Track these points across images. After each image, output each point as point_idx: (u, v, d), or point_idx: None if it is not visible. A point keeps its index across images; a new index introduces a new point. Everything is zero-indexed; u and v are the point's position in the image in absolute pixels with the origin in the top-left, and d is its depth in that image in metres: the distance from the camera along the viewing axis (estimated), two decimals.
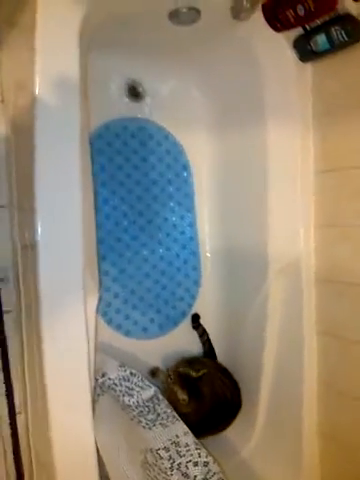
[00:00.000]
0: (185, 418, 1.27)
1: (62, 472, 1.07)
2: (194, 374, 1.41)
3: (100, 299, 1.26)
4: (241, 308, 1.61)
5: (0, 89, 1.48)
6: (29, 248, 1.19)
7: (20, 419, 1.46)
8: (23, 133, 1.25)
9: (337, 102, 1.37)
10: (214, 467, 1.06)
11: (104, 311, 1.58)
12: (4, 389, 1.45)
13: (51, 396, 1.08)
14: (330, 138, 1.40)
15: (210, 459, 1.07)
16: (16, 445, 1.45)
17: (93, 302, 1.23)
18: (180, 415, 1.26)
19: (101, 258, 1.58)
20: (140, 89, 1.68)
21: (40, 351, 1.10)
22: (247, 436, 1.54)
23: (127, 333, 1.61)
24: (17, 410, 1.47)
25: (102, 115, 1.61)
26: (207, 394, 1.42)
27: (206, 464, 1.06)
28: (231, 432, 1.55)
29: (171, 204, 1.71)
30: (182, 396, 1.36)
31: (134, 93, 1.67)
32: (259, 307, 1.53)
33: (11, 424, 1.44)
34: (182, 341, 1.68)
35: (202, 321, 1.70)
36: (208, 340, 1.67)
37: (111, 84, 1.64)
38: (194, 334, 1.68)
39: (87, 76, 1.31)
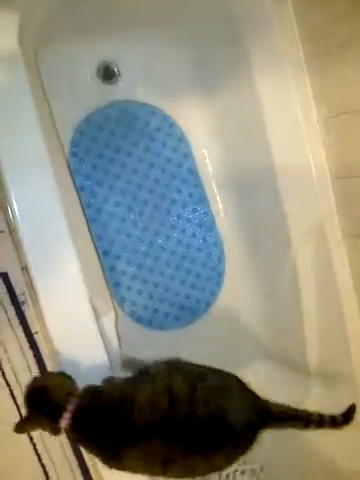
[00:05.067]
0: None
1: None
2: None
3: (116, 317, 1.20)
4: (271, 279, 1.52)
5: None
6: (26, 270, 1.16)
7: None
8: None
9: (327, 36, 1.18)
10: (261, 474, 1.02)
11: (131, 311, 1.54)
12: None
13: None
14: (328, 80, 1.22)
15: (257, 467, 1.03)
16: None
17: (110, 321, 1.19)
18: None
19: (115, 258, 1.52)
20: (113, 68, 1.53)
21: None
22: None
23: (160, 327, 1.57)
24: None
25: (79, 110, 1.49)
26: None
27: (253, 471, 1.02)
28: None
29: (175, 183, 1.59)
30: None
31: (108, 74, 1.53)
32: (289, 276, 1.43)
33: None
34: (216, 323, 1.61)
35: (233, 298, 1.61)
36: None
37: (81, 73, 1.50)
38: (228, 313, 1.61)
39: (40, 81, 1.20)
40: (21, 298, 1.49)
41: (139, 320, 1.55)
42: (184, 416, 0.84)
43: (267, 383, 1.54)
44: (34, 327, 1.46)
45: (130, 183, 1.54)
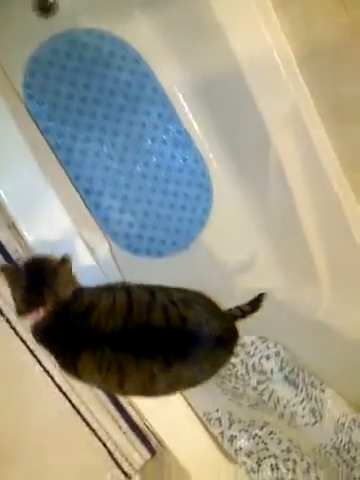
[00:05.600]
0: None
1: None
2: None
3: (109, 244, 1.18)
4: (258, 180, 1.48)
5: None
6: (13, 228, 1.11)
7: None
8: None
9: None
10: (286, 354, 1.01)
11: (126, 244, 1.51)
12: None
13: None
14: None
15: (279, 347, 1.03)
16: None
17: (105, 251, 1.17)
18: None
19: (98, 194, 1.48)
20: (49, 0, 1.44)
21: None
22: (318, 299, 1.48)
23: (159, 254, 1.55)
24: None
25: (24, 51, 1.41)
26: None
27: (278, 354, 1.02)
28: (299, 302, 1.50)
29: (142, 106, 1.53)
30: None
31: (44, 6, 1.44)
32: (276, 173, 1.40)
33: None
34: (214, 239, 1.58)
35: (226, 211, 1.59)
36: None
37: (15, 12, 1.40)
38: (224, 228, 1.59)
39: None
40: (15, 256, 1.46)
41: (137, 251, 1.52)
42: (139, 323, 0.83)
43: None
44: None
45: (95, 116, 1.48)
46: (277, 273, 1.59)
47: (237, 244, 1.59)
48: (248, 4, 1.25)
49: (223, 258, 1.56)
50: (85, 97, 1.47)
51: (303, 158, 1.33)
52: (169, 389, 0.88)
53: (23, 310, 0.86)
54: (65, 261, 0.88)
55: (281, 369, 1.01)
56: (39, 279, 0.86)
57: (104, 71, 1.49)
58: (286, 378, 0.99)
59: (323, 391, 0.98)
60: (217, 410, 0.97)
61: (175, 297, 0.88)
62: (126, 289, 0.89)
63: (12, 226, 1.17)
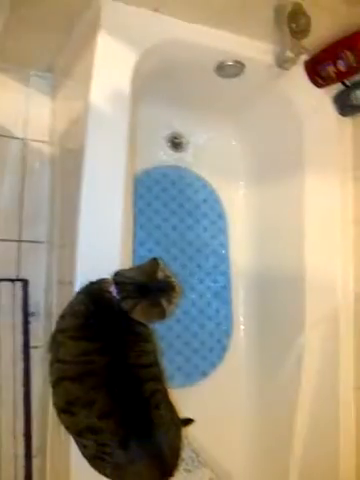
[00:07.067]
0: None
1: None
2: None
3: None
4: (275, 360, 1.54)
5: (51, 134, 1.58)
6: (67, 284, 1.18)
7: (35, 462, 1.40)
8: (70, 174, 1.32)
9: None
10: None
11: None
12: (23, 429, 1.40)
13: None
14: None
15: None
16: None
17: None
18: None
19: None
20: (182, 140, 1.75)
21: None
22: None
23: None
24: (34, 453, 1.42)
25: (145, 162, 1.67)
26: None
27: None
28: None
29: (206, 251, 1.71)
30: None
31: (176, 143, 1.74)
32: (294, 361, 1.45)
33: (26, 466, 1.38)
34: (208, 394, 1.59)
35: (231, 374, 1.62)
36: None
37: (155, 134, 1.71)
38: (223, 389, 1.60)
39: (135, 122, 1.37)
40: (32, 309, 1.52)
41: None
42: (138, 387, 0.93)
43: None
44: (34, 341, 1.46)
45: (167, 237, 1.66)
46: (249, 454, 1.56)
47: (226, 407, 1.59)
48: (333, 215, 1.46)
49: (207, 415, 1.53)
50: (168, 219, 1.67)
51: (323, 364, 1.40)
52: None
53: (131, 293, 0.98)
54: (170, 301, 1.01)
55: None
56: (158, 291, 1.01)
57: (192, 210, 1.72)
58: None
59: None
60: None
61: (166, 397, 1.02)
62: (157, 362, 1.01)
63: (65, 283, 1.25)
